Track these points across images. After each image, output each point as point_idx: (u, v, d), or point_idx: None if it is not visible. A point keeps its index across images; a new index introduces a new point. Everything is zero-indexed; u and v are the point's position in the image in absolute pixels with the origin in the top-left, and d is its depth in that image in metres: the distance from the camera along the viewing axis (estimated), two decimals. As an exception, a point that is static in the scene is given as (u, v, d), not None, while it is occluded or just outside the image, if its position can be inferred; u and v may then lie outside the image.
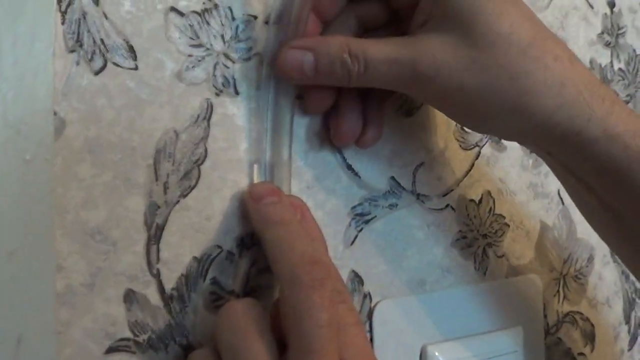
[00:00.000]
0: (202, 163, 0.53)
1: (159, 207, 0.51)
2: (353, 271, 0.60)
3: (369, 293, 0.61)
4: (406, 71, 0.50)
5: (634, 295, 0.86)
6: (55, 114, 0.48)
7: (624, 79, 0.83)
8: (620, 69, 0.84)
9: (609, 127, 0.50)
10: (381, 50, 0.50)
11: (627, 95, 0.84)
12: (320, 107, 0.56)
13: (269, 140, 0.55)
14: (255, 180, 0.55)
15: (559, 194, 0.76)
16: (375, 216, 0.62)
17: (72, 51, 0.49)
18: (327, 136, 0.58)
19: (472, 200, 0.68)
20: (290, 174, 0.56)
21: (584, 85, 0.50)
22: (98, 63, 0.50)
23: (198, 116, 0.53)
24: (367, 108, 0.57)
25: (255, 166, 0.55)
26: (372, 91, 0.56)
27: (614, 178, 0.51)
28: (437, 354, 0.64)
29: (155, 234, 0.51)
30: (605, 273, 0.83)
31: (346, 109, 0.56)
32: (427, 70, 0.49)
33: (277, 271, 0.47)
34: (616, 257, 0.83)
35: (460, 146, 0.67)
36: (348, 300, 0.49)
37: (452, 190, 0.67)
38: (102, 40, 0.50)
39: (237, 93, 0.55)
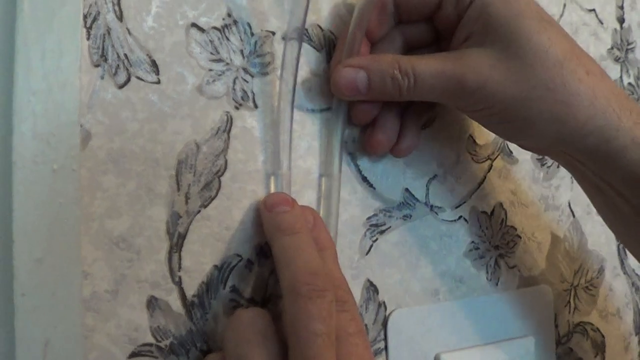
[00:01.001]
0: (222, 174, 0.55)
1: (180, 216, 0.53)
2: (368, 280, 0.62)
3: (384, 302, 0.62)
4: (453, 84, 0.53)
5: (644, 307, 0.87)
6: (81, 126, 0.49)
7: (633, 93, 0.85)
8: (629, 84, 0.85)
9: (637, 136, 0.53)
10: (429, 66, 0.54)
11: (637, 110, 0.85)
12: (366, 118, 0.59)
13: (285, 153, 0.56)
14: (272, 191, 0.56)
15: (569, 206, 0.77)
16: (390, 227, 0.63)
17: (97, 65, 0.50)
18: (343, 147, 0.60)
19: (484, 212, 0.70)
20: (340, 186, 0.59)
21: (613, 97, 0.53)
22: (122, 77, 0.51)
23: (218, 129, 0.55)
24: (405, 120, 0.61)
25: (272, 177, 0.56)
26: (411, 104, 0.60)
27: None
28: (450, 364, 0.65)
29: (177, 243, 0.52)
30: (616, 284, 0.84)
31: (383, 119, 0.59)
32: (472, 82, 0.52)
33: (280, 280, 0.49)
34: (626, 269, 0.84)
35: (473, 159, 0.68)
36: (351, 310, 0.50)
37: (464, 202, 0.68)
38: (125, 55, 0.51)
39: (255, 106, 0.56)
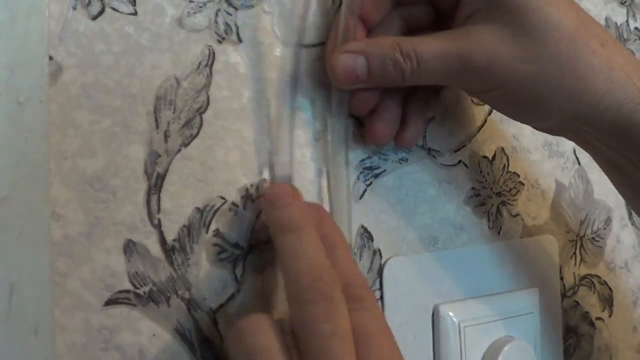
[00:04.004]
0: (204, 111, 0.52)
1: (159, 155, 0.50)
2: (362, 226, 0.59)
3: (379, 249, 0.60)
4: (458, 64, 0.50)
5: (653, 260, 0.85)
6: (51, 58, 0.47)
7: (640, 37, 0.82)
8: (636, 28, 0.82)
9: None
10: (431, 46, 0.51)
11: (644, 54, 0.82)
12: (365, 107, 0.56)
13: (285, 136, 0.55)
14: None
15: (574, 153, 0.74)
16: (385, 170, 0.60)
17: (68, -6, 0.47)
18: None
19: (485, 157, 0.67)
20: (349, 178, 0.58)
21: (631, 69, 0.51)
22: (96, 7, 0.48)
23: (200, 63, 0.52)
24: (408, 108, 0.58)
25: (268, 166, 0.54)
26: (414, 91, 0.57)
27: None
28: (450, 313, 0.63)
29: (156, 184, 0.50)
30: (624, 236, 0.81)
31: (384, 108, 0.56)
32: (479, 61, 0.50)
33: (284, 283, 0.47)
34: (634, 220, 0.82)
35: (473, 101, 0.65)
36: (371, 308, 0.47)
37: (464, 146, 0.65)
38: (99, -17, 0.48)
39: (240, 40, 0.53)
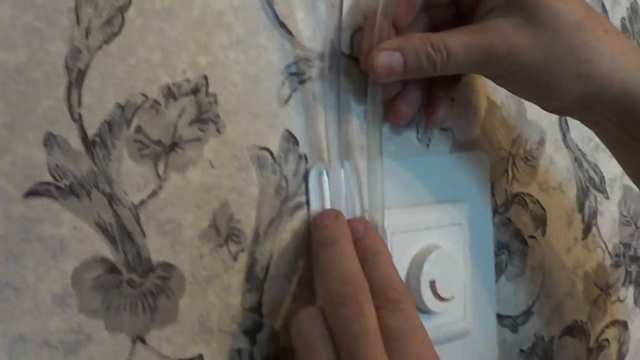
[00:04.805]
0: (126, 10, 0.52)
1: (80, 52, 0.50)
2: (287, 131, 0.60)
3: (305, 155, 0.61)
4: (483, 54, 0.57)
5: (587, 184, 0.86)
6: (-30, -49, 0.47)
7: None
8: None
9: None
10: (458, 39, 0.58)
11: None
12: (391, 94, 0.63)
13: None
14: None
15: (507, 72, 0.75)
16: (310, 77, 0.61)
17: None
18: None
19: (414, 70, 0.67)
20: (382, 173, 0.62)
21: (632, 53, 0.59)
22: None
23: (122, -38, 0.52)
24: (435, 93, 0.66)
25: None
26: (438, 79, 0.64)
27: None
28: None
29: (77, 79, 0.50)
30: (557, 158, 0.83)
31: (406, 91, 0.63)
32: (501, 50, 0.57)
33: (323, 290, 0.55)
34: (569, 142, 0.83)
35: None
36: (406, 309, 0.53)
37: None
38: None
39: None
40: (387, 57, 0.58)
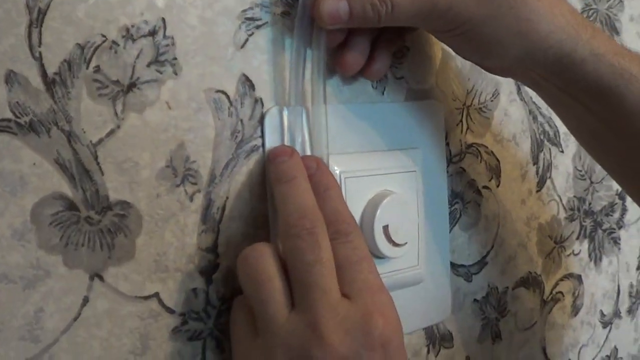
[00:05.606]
0: (84, -48, 0.53)
1: (40, -8, 0.51)
2: (244, 75, 0.61)
3: (261, 99, 0.62)
4: (426, 7, 0.58)
5: (542, 137, 0.88)
6: None
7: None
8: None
9: (594, 48, 0.60)
10: None
11: None
12: (335, 41, 0.63)
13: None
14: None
15: (462, 24, 0.76)
16: (267, 22, 0.62)
17: None
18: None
19: (371, 20, 0.69)
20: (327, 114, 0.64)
21: (570, 15, 0.61)
22: None
23: None
24: (377, 45, 0.66)
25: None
26: (383, 33, 0.65)
27: (605, 95, 0.62)
28: (335, 167, 0.65)
29: (37, 18, 0.51)
30: (512, 110, 0.84)
31: (353, 42, 0.64)
32: (442, 5, 0.58)
33: (279, 224, 0.57)
34: (523, 95, 0.85)
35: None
36: (355, 240, 0.56)
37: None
38: None
39: None
40: (333, 4, 0.59)
